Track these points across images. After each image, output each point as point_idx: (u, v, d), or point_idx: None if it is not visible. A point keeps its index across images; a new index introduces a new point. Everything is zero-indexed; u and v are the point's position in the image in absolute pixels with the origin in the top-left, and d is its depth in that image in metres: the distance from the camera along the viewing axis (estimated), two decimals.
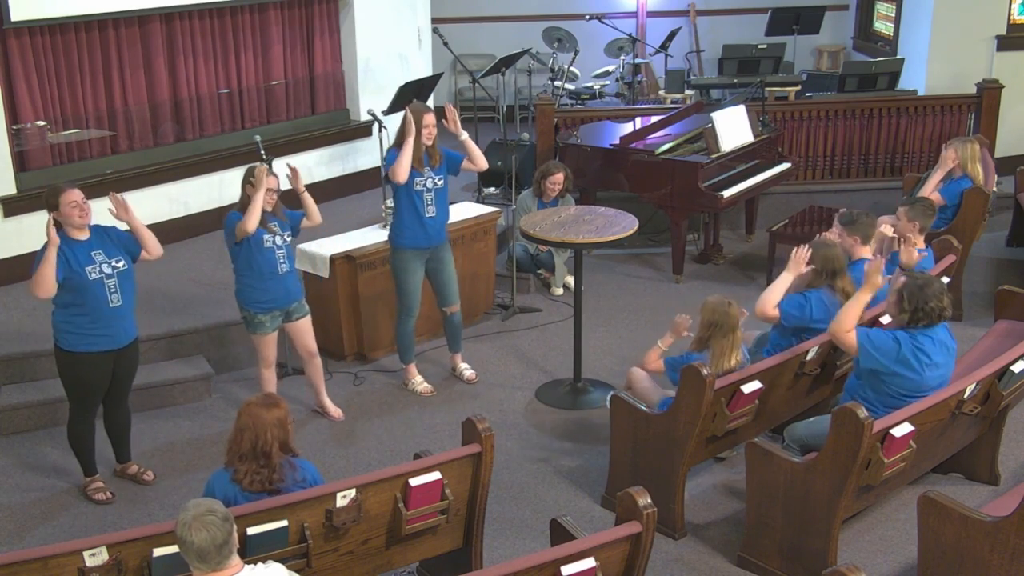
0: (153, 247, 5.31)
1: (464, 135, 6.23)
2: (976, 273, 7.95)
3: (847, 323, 4.88)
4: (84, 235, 5.07)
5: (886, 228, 6.20)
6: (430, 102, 8.59)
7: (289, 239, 5.79)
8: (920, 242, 6.19)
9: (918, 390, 4.79)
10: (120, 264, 5.14)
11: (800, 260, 5.42)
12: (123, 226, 5.30)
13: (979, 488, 5.39)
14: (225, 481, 4.08)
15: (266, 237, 5.64)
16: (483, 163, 6.37)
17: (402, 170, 5.96)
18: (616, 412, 5.21)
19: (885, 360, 4.76)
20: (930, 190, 7.11)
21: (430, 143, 6.08)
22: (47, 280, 4.91)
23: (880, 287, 5.04)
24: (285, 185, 5.83)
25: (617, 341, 7.18)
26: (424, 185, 6.10)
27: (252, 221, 5.50)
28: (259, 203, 5.51)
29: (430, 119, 6.05)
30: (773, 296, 5.42)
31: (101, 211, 5.35)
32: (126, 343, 5.24)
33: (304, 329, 5.95)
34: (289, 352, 6.43)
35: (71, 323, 5.09)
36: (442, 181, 6.19)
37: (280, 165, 6.39)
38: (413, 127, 5.96)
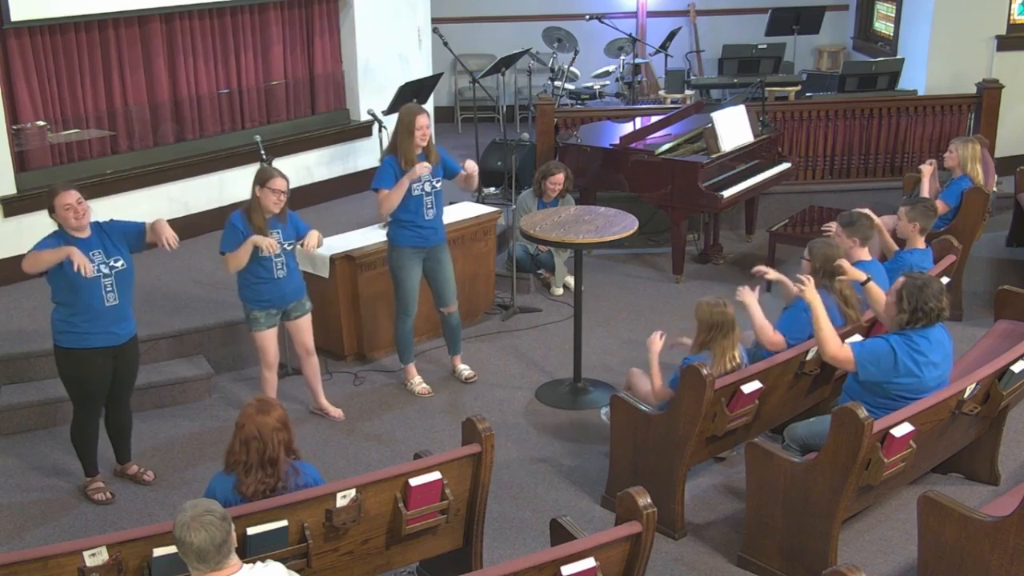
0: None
1: (473, 169, 6.29)
2: (976, 273, 7.94)
3: (833, 343, 4.85)
4: (84, 233, 5.06)
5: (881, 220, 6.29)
6: (430, 102, 8.60)
7: (290, 247, 5.73)
8: (920, 242, 6.20)
9: (918, 391, 4.79)
10: (119, 263, 5.13)
11: (746, 293, 5.47)
12: (127, 218, 5.31)
13: (979, 488, 5.39)
14: (228, 488, 4.03)
15: None
16: (474, 187, 6.67)
17: (390, 206, 6.02)
18: (616, 412, 5.21)
19: (884, 370, 4.76)
20: (926, 193, 7.11)
21: (424, 144, 6.05)
22: (40, 265, 4.97)
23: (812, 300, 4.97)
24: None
25: (617, 341, 7.17)
26: (422, 188, 6.08)
27: (236, 263, 5.57)
28: (249, 247, 5.54)
29: (423, 121, 5.97)
30: (762, 323, 5.43)
31: (102, 211, 5.36)
32: (125, 340, 5.24)
33: (303, 327, 5.94)
34: (288, 352, 6.42)
35: (69, 322, 5.09)
36: (439, 183, 6.18)
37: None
38: (414, 170, 5.95)
